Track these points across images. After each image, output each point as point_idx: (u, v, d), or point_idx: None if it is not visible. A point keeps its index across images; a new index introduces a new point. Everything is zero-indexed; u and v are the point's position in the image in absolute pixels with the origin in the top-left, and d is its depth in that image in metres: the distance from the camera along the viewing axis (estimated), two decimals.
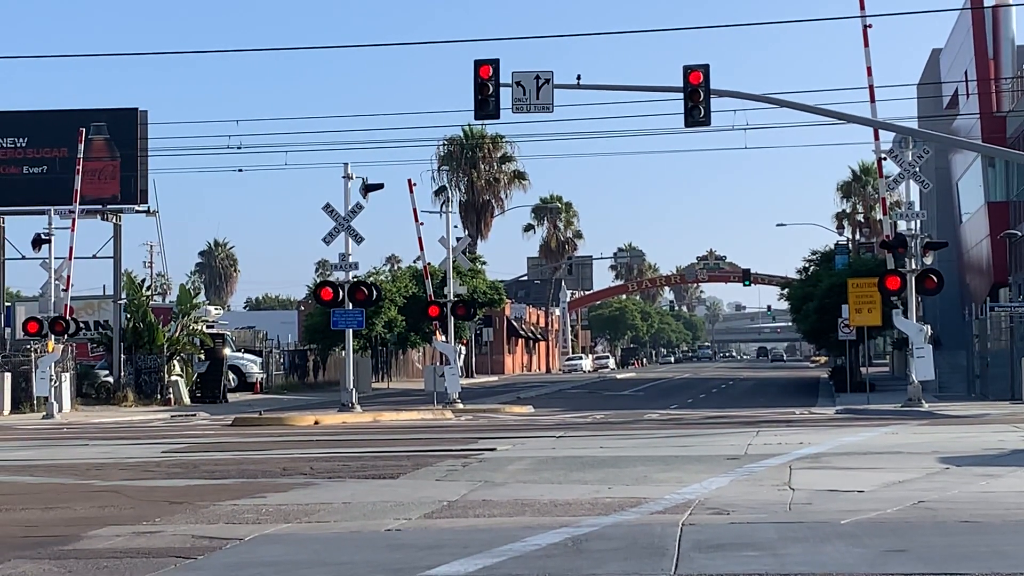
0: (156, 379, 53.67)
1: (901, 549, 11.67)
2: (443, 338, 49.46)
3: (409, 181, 48.39)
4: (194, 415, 45.36)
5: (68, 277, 46.10)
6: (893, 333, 62.75)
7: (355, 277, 44.94)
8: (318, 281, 60.64)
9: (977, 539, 12.24)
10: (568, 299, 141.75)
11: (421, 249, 51.26)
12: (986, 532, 12.68)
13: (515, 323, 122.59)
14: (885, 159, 39.87)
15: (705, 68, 34.23)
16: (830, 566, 10.77)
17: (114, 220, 55.38)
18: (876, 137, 39.05)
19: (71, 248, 46.24)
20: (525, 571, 10.89)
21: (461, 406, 45.79)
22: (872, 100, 36.99)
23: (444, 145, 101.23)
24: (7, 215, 56.23)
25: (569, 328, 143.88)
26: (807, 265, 79.21)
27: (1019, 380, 41.84)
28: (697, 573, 10.64)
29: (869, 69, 36.95)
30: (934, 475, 18.17)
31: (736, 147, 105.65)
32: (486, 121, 43.12)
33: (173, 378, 54.04)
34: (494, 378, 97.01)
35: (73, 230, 46.21)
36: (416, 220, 48.41)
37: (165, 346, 54.09)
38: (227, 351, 59.91)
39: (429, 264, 52.39)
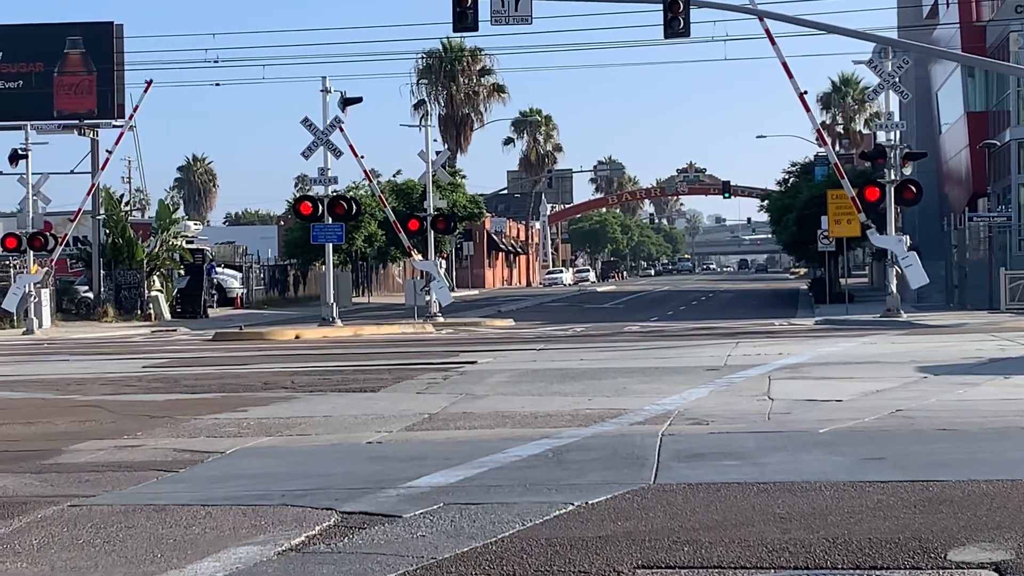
0: (136, 294, 53.58)
1: (879, 457, 11.74)
2: (419, 257, 49.32)
3: (337, 120, 44.45)
4: (175, 330, 45.36)
5: (79, 211, 46.62)
6: (872, 244, 62.84)
7: (334, 191, 44.82)
8: (297, 196, 60.32)
9: (954, 446, 12.31)
10: (548, 213, 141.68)
11: (369, 180, 53.97)
12: (963, 440, 12.75)
13: (495, 237, 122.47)
14: (806, 93, 39.55)
15: None
16: (808, 474, 10.83)
17: (91, 135, 55.04)
18: (790, 76, 38.39)
19: (94, 187, 46.61)
20: (506, 482, 10.93)
21: (442, 320, 45.80)
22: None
23: (423, 58, 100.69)
24: None
25: (549, 242, 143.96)
26: (787, 177, 79.06)
27: (997, 289, 42.02)
28: (676, 482, 10.70)
29: None
30: (912, 384, 18.28)
31: (716, 59, 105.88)
32: (465, 34, 42.82)
33: (153, 293, 53.99)
34: (474, 292, 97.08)
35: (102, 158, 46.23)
36: (355, 155, 46.50)
37: (145, 261, 53.98)
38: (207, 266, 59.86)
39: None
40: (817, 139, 44.25)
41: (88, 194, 50.82)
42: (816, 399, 16.59)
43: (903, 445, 12.48)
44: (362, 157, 46.85)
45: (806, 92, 39.06)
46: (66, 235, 47.95)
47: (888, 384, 18.21)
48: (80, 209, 49.56)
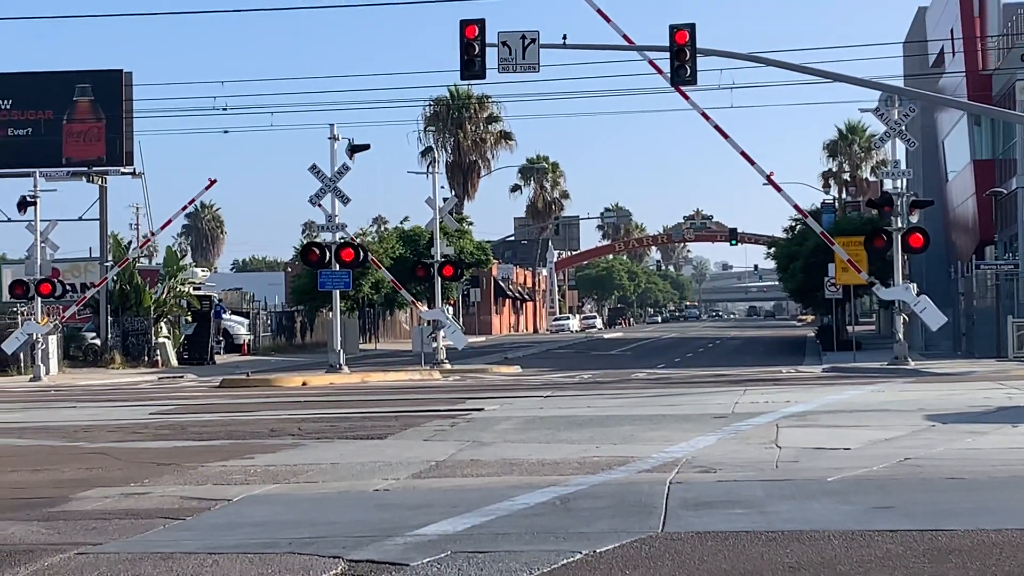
0: (143, 341, 53.64)
1: (888, 506, 11.71)
2: (426, 308, 49.42)
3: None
4: (181, 377, 45.35)
5: (103, 280, 46.28)
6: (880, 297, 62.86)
7: (342, 238, 44.90)
8: (305, 242, 60.47)
9: (963, 495, 12.28)
10: (555, 259, 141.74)
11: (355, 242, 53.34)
12: (972, 489, 12.72)
13: (502, 283, 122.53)
14: (772, 174, 40.30)
15: (691, 27, 34.13)
16: (817, 523, 10.80)
17: (99, 182, 55.27)
18: (751, 163, 39.45)
19: (126, 261, 46.57)
20: (513, 530, 10.91)
21: (449, 366, 45.79)
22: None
23: (430, 105, 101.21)
24: None
25: (556, 288, 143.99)
26: (793, 224, 79.15)
27: (1005, 337, 41.97)
28: (685, 530, 10.67)
29: None
30: (920, 432, 18.23)
31: (722, 106, 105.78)
32: (472, 81, 42.91)
33: (160, 340, 54.02)
34: (481, 338, 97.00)
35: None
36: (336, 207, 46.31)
37: (152, 308, 54.05)
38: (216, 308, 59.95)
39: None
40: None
41: (120, 265, 52.02)
42: (824, 447, 16.55)
43: (912, 494, 12.45)
44: (339, 214, 46.64)
45: (772, 173, 40.06)
46: (84, 297, 49.53)
47: (896, 432, 18.17)
48: (105, 279, 51.01)
